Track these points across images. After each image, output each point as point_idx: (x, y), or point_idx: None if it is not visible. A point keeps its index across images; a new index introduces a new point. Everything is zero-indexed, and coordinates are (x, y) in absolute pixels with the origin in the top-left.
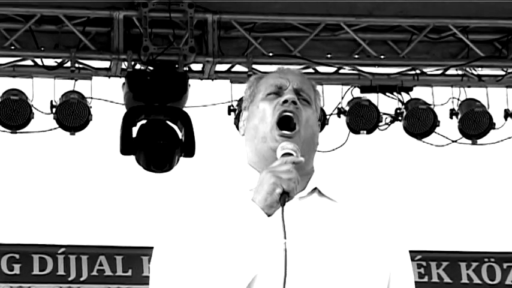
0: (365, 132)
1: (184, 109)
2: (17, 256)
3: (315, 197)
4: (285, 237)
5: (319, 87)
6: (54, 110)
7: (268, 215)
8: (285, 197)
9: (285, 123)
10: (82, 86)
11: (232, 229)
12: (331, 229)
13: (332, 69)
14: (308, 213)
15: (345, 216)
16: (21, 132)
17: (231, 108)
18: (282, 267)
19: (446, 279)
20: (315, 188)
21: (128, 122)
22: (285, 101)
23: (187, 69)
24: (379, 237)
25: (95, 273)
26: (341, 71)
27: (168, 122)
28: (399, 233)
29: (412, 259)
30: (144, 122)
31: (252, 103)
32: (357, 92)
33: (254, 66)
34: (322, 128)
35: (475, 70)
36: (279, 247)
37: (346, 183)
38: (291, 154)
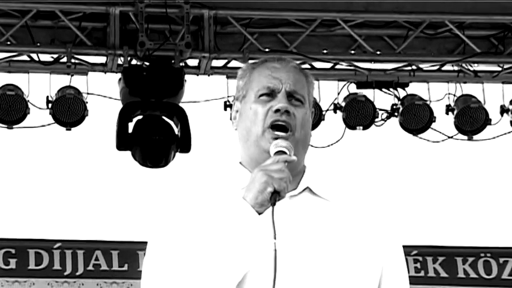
0: (361, 128)
1: (180, 105)
2: (13, 251)
3: (307, 196)
4: (275, 237)
5: (315, 83)
6: (50, 105)
7: (259, 213)
8: (275, 196)
9: (279, 127)
10: (78, 82)
11: (223, 227)
12: (322, 228)
13: (328, 65)
14: (298, 213)
15: (336, 214)
16: (17, 128)
17: (227, 103)
18: (272, 267)
19: (443, 274)
20: (307, 187)
21: (124, 118)
22: (277, 110)
23: (183, 64)
24: (371, 235)
25: (90, 267)
26: (337, 66)
27: (164, 118)
28: (392, 228)
29: (408, 254)
30: (140, 117)
31: (244, 100)
32: (353, 88)
33: (250, 61)
34: (318, 124)
35: (471, 66)
36: (269, 247)
37: (339, 181)
38: (284, 152)
